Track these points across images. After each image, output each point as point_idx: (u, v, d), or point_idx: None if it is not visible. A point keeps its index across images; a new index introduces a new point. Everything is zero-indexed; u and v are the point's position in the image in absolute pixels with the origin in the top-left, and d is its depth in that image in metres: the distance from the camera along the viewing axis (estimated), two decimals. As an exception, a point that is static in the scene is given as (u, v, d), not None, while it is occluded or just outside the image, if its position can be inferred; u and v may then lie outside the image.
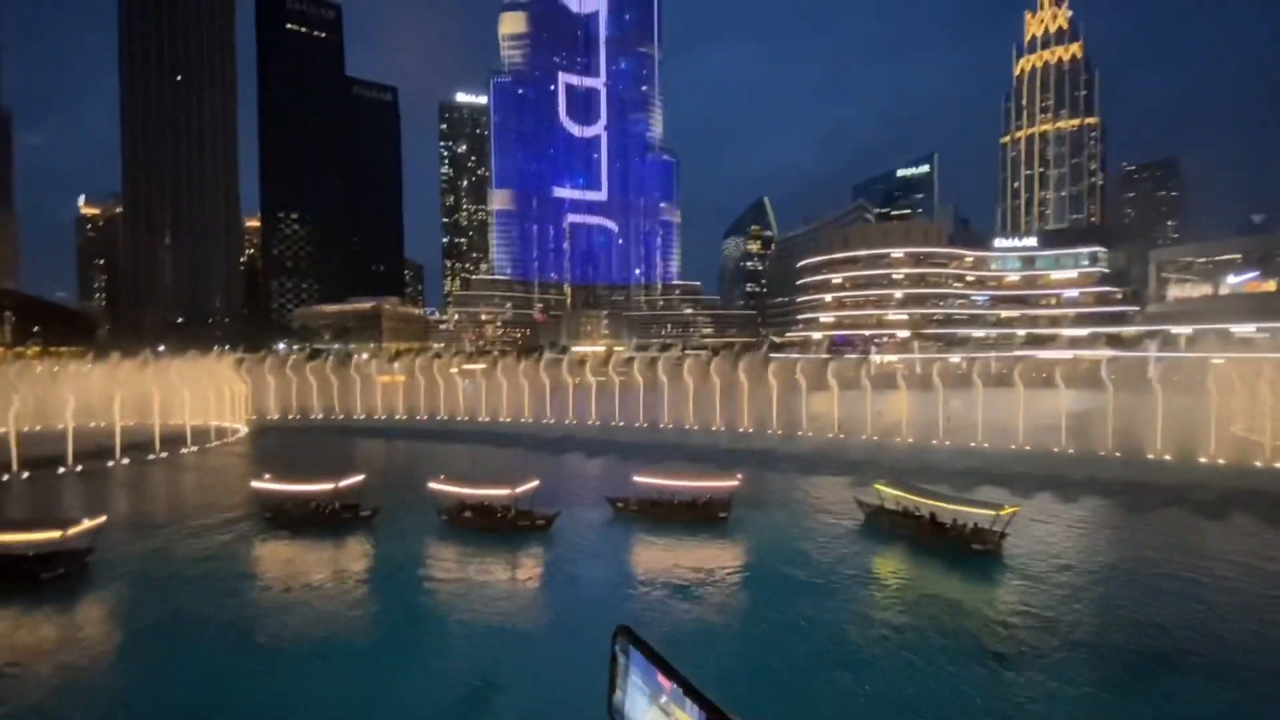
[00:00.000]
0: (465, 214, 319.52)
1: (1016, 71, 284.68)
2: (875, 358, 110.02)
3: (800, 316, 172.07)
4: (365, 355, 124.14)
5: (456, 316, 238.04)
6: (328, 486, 34.88)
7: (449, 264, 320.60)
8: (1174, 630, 21.62)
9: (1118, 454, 44.09)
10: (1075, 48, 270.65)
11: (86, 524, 27.62)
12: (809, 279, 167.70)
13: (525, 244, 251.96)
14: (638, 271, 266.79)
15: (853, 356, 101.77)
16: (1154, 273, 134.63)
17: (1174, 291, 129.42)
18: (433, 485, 34.95)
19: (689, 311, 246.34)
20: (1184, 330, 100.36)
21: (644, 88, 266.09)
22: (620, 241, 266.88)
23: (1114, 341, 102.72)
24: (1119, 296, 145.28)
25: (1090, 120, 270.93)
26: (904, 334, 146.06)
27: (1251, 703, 17.73)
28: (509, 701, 18.40)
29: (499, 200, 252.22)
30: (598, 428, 66.01)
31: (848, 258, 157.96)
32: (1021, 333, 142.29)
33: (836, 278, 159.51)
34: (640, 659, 1.67)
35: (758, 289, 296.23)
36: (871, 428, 55.34)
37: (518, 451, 58.47)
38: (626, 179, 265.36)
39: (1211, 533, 33.02)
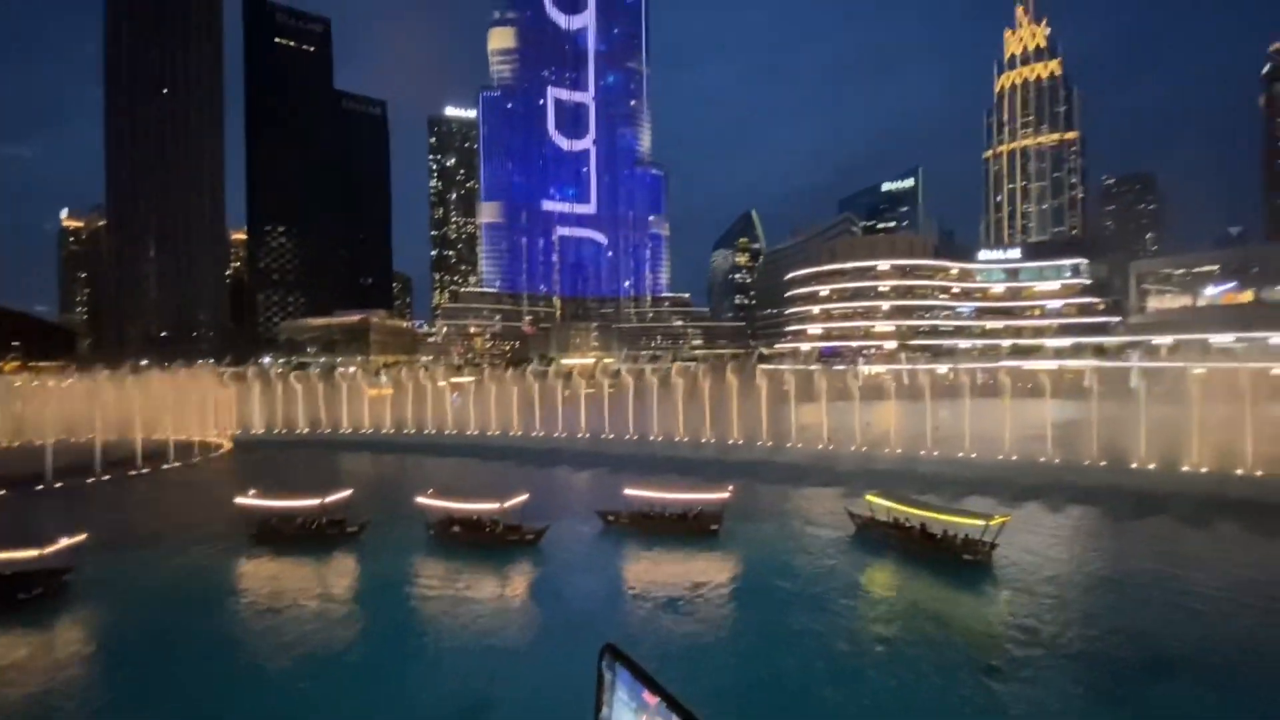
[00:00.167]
0: (454, 227, 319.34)
1: (997, 88, 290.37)
2: (863, 368, 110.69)
3: (789, 328, 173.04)
4: (353, 368, 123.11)
5: (445, 329, 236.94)
6: (314, 502, 34.42)
7: (438, 276, 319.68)
8: (1162, 639, 21.76)
9: (1103, 463, 44.54)
10: (1054, 64, 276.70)
11: (65, 542, 27.03)
12: (797, 291, 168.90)
13: (514, 256, 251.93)
14: (627, 284, 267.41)
15: (841, 368, 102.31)
16: (1134, 284, 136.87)
17: (1154, 302, 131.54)
18: (420, 500, 34.60)
19: (678, 323, 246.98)
20: (1165, 340, 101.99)
21: (633, 102, 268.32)
22: (609, 254, 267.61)
23: (1101, 352, 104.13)
24: (1101, 307, 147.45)
25: (1070, 135, 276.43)
26: (891, 345, 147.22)
27: (1240, 710, 17.84)
28: (497, 719, 18.15)
29: (488, 213, 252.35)
30: (587, 440, 65.73)
31: (835, 270, 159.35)
32: (1007, 343, 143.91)
33: (824, 290, 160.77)
34: (627, 676, 1.68)
35: (747, 301, 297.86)
36: (860, 438, 55.59)
37: (506, 465, 58.09)
38: (616, 192, 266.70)
39: (1196, 540, 33.38)
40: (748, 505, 38.58)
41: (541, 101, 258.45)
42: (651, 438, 63.13)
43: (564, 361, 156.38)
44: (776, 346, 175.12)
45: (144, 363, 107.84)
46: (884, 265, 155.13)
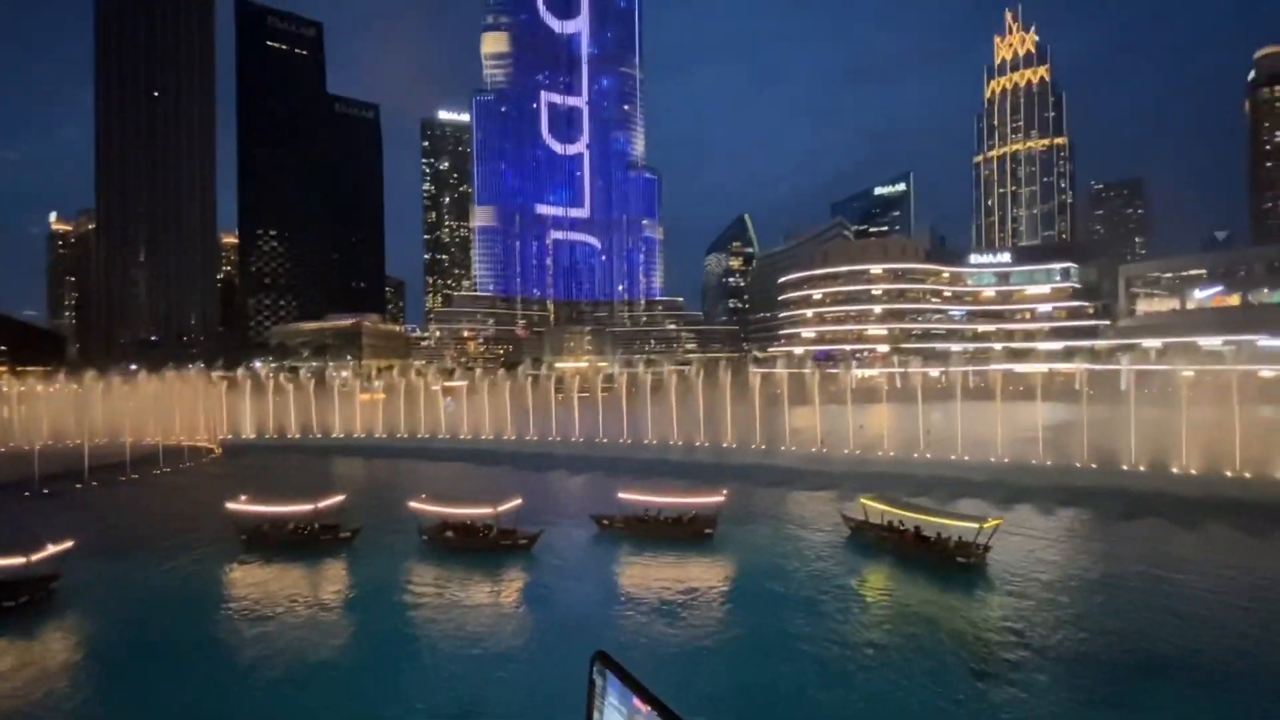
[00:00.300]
0: (447, 230, 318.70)
1: (987, 93, 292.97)
2: (856, 371, 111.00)
3: (782, 332, 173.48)
4: (345, 373, 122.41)
5: (438, 333, 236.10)
6: (307, 508, 34.16)
7: (431, 280, 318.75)
8: (1153, 640, 21.88)
9: (1094, 465, 44.83)
10: (1043, 70, 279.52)
11: (52, 549, 26.71)
12: (790, 295, 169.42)
13: (508, 260, 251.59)
14: (621, 288, 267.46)
15: (834, 371, 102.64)
16: (1123, 288, 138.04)
17: (1143, 306, 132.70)
18: (414, 505, 34.40)
19: (672, 327, 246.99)
20: (1154, 344, 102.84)
21: (626, 106, 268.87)
22: (603, 258, 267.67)
23: (1095, 355, 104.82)
24: (1090, 311, 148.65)
25: (1059, 140, 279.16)
26: (884, 349, 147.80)
27: (1231, 710, 17.94)
28: (492, 726, 18.03)
29: (481, 217, 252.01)
30: (581, 444, 65.61)
31: (828, 274, 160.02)
32: (998, 346, 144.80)
33: (817, 294, 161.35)
34: (617, 683, 1.68)
35: (740, 305, 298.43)
36: (854, 442, 55.73)
37: (500, 469, 57.89)
38: (609, 196, 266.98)
39: (1186, 541, 33.63)
40: (742, 508, 38.59)
41: (535, 105, 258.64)
42: (646, 441, 63.07)
43: (558, 365, 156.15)
44: (770, 350, 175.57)
45: (133, 367, 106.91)
46: (876, 269, 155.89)
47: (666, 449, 60.59)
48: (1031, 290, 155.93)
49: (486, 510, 32.67)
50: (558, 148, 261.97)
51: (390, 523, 36.39)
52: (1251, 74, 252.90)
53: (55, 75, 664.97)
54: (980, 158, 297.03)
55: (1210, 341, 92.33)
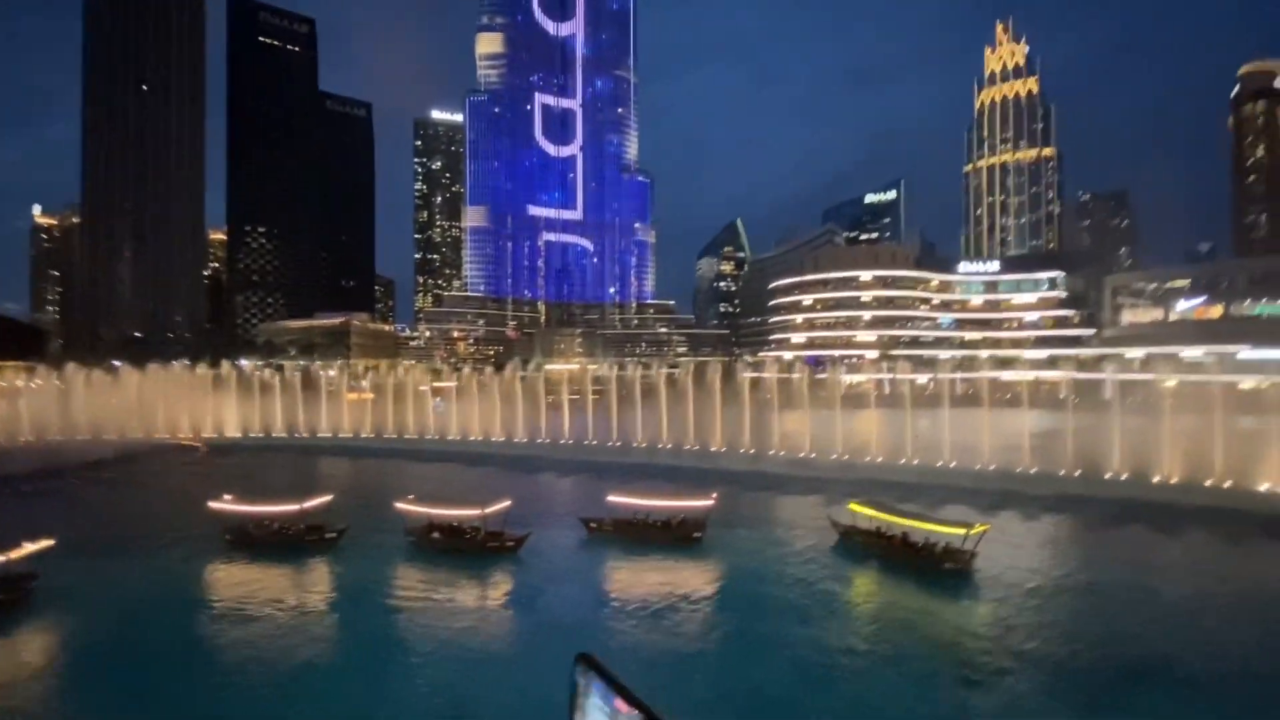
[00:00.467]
0: (439, 230, 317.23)
1: (977, 104, 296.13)
2: (844, 377, 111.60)
3: (772, 337, 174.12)
4: (332, 371, 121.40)
5: (428, 333, 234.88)
6: (293, 507, 33.82)
7: (421, 280, 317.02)
8: (1137, 645, 22.12)
9: (1078, 472, 45.33)
10: (1032, 82, 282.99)
11: (30, 548, 26.25)
12: (781, 300, 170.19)
13: (499, 261, 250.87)
14: (612, 290, 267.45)
15: (823, 376, 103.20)
16: (1108, 298, 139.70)
17: (1127, 316, 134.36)
18: (400, 505, 34.17)
19: (663, 330, 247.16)
20: (1138, 353, 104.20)
21: (620, 109, 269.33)
22: (595, 260, 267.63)
23: (1081, 364, 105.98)
24: (1076, 320, 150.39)
25: (1047, 151, 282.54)
26: (873, 354, 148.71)
27: (1211, 714, 18.18)
28: (477, 729, 17.92)
29: (473, 217, 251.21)
30: (570, 446, 65.48)
31: (818, 280, 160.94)
32: (985, 354, 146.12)
33: (807, 299, 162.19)
34: (600, 686, 1.67)
35: (731, 309, 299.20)
36: (842, 447, 56.02)
37: (489, 470, 57.65)
38: (602, 198, 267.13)
39: (1167, 548, 34.08)
40: (731, 512, 38.63)
41: (529, 107, 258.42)
42: (635, 444, 63.06)
43: (548, 367, 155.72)
44: (760, 354, 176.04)
45: (117, 363, 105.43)
46: (866, 276, 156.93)
47: (655, 452, 60.62)
48: (1019, 299, 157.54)
49: (474, 512, 32.51)
50: (551, 149, 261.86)
51: (377, 523, 36.11)
52: (1235, 89, 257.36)
53: (42, 68, 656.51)
54: (970, 167, 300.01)
55: (1192, 352, 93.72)
